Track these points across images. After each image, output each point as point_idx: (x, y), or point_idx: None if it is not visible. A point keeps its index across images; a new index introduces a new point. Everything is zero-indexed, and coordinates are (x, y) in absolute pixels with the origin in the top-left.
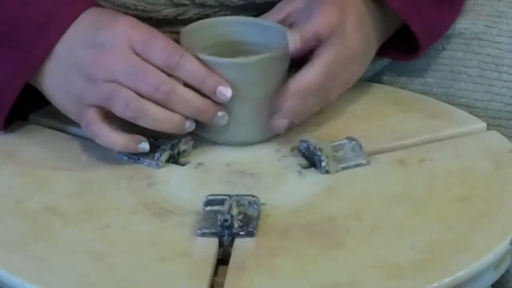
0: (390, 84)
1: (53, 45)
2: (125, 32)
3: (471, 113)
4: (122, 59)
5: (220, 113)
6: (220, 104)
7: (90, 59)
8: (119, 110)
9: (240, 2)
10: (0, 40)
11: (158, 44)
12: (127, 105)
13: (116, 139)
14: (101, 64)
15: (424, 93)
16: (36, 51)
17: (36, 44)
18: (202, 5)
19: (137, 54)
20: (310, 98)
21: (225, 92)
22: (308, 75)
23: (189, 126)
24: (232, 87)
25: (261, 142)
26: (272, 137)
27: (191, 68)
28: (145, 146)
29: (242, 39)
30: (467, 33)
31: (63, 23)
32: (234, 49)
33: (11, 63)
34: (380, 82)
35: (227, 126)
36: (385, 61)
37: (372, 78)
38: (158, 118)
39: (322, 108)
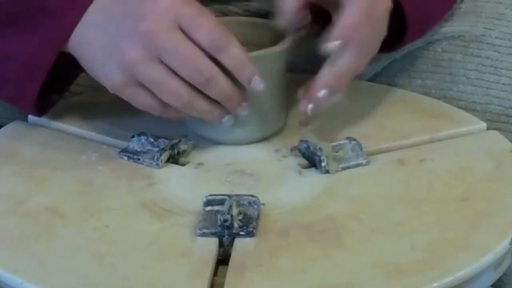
0: (389, 85)
1: (83, 11)
2: (171, 6)
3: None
4: (166, 36)
5: (244, 103)
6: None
7: (130, 29)
8: (170, 99)
9: (245, 14)
10: (32, 8)
11: (207, 23)
12: (179, 96)
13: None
14: (143, 35)
15: (423, 95)
16: (68, 18)
17: (68, 11)
18: None
19: (182, 31)
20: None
21: (260, 82)
22: (348, 14)
23: (227, 120)
24: None
25: (261, 142)
26: (272, 137)
27: (236, 53)
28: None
29: (246, 40)
30: (467, 35)
31: None
32: None
33: (43, 31)
34: (379, 83)
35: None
36: (384, 61)
37: (371, 79)
38: (202, 110)
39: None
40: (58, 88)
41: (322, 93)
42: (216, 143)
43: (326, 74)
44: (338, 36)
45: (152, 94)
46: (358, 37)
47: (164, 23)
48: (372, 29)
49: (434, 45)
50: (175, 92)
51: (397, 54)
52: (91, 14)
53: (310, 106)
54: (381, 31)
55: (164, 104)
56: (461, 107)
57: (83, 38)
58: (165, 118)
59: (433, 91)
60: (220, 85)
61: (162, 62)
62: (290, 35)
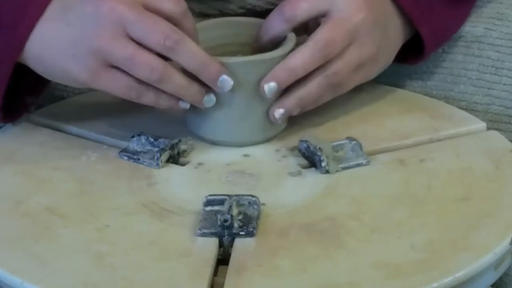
0: (390, 86)
1: (35, 23)
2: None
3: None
4: (129, 10)
5: (224, 76)
6: (225, 69)
7: (93, 11)
8: (145, 73)
9: (241, 11)
10: None
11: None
12: (153, 68)
13: (164, 98)
14: (106, 14)
15: (424, 95)
16: (19, 30)
17: (21, 21)
18: (202, 14)
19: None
20: (312, 82)
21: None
22: (296, 53)
23: (208, 100)
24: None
25: (261, 142)
26: (272, 137)
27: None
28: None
29: (246, 41)
30: (467, 36)
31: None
32: (237, 50)
33: None
34: (379, 84)
35: (227, 126)
36: None
37: (372, 80)
38: (180, 83)
39: (322, 108)
40: (31, 91)
41: (278, 112)
42: (216, 143)
43: (287, 98)
44: (271, 78)
45: (127, 74)
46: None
47: (123, 1)
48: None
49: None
50: (148, 64)
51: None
52: (48, 13)
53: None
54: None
55: (141, 83)
56: (462, 108)
57: (44, 39)
58: (158, 111)
59: (434, 92)
60: (191, 48)
61: (130, 38)
62: (291, 38)
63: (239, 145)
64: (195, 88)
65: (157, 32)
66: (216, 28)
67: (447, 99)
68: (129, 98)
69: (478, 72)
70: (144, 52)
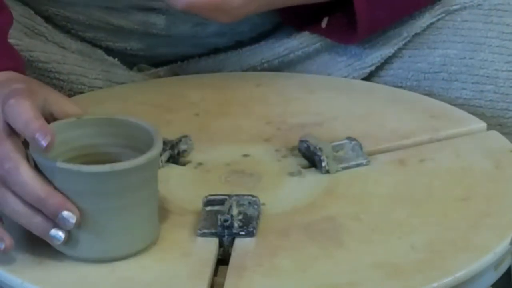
0: (409, 57)
1: None
2: None
3: (491, 83)
4: None
5: (65, 213)
6: (68, 201)
7: None
8: None
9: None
10: None
11: None
12: None
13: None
14: None
15: (444, 65)
16: None
17: None
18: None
19: None
20: None
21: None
22: None
23: (55, 234)
24: (88, 198)
25: (261, 142)
26: (272, 137)
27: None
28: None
29: (127, 142)
30: (485, 4)
31: None
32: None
33: None
34: (401, 56)
35: (93, 240)
36: (406, 36)
37: (394, 55)
38: (14, 209)
39: (322, 108)
40: None
41: None
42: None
43: None
44: None
45: None
46: None
47: None
48: None
49: (453, 15)
50: None
51: (418, 28)
52: None
53: None
54: None
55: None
56: (483, 76)
57: None
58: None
59: (455, 60)
60: (24, 179)
61: None
62: (158, 139)
63: (99, 260)
64: (37, 219)
65: None
66: (95, 125)
67: (467, 67)
68: None
69: (498, 39)
70: None
